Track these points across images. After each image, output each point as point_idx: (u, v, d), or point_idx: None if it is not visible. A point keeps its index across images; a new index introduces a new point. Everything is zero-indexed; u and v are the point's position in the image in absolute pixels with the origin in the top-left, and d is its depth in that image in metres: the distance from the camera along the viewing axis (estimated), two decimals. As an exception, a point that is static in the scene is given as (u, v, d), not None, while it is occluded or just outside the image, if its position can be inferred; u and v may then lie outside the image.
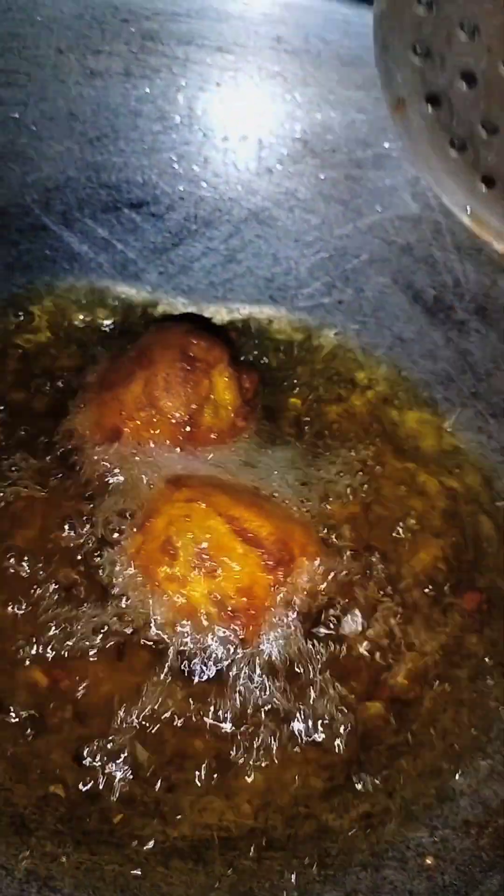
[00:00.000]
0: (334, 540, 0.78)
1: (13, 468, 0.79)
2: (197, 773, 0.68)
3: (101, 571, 0.74)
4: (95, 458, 0.79)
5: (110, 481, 0.78)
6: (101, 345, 0.88)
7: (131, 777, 0.67)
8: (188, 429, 0.79)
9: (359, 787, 0.69)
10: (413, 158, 0.73)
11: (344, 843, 0.67)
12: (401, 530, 0.80)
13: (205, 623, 0.71)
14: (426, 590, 0.77)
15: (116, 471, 0.79)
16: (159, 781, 0.67)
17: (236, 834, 0.66)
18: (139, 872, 0.64)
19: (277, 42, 0.87)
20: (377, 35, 0.68)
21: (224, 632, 0.71)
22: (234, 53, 0.88)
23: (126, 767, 0.67)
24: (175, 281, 0.93)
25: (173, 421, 0.79)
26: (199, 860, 0.65)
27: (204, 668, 0.71)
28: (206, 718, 0.69)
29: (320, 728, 0.70)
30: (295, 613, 0.72)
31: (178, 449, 0.79)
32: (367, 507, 0.81)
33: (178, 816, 0.66)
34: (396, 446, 0.85)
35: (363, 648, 0.74)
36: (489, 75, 0.63)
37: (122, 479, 0.78)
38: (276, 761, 0.69)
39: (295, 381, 0.89)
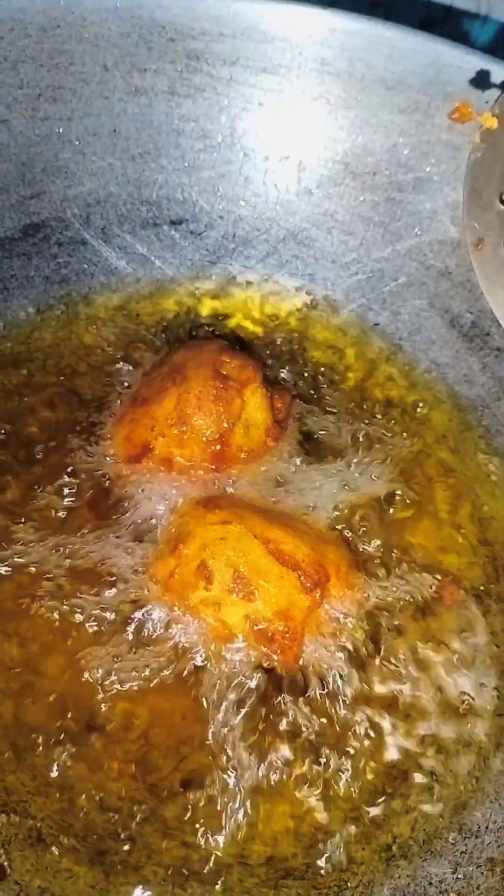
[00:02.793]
0: (368, 559, 0.77)
1: (45, 479, 0.79)
2: (217, 794, 0.67)
3: (133, 596, 0.73)
4: (124, 474, 0.79)
5: (139, 500, 0.78)
6: (135, 360, 0.88)
7: (152, 794, 0.66)
8: (218, 447, 0.79)
9: (381, 817, 0.67)
10: (485, 290, 0.80)
11: (364, 875, 0.65)
12: (433, 550, 0.79)
13: (242, 647, 0.71)
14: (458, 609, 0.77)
15: (145, 489, 0.78)
16: (180, 801, 0.66)
17: (255, 861, 0.65)
18: (155, 894, 0.63)
19: (322, 64, 0.87)
20: (468, 179, 0.76)
21: (262, 655, 0.70)
22: (278, 75, 0.88)
23: (148, 784, 0.67)
24: (211, 298, 0.93)
25: (204, 439, 0.78)
26: (217, 884, 0.64)
27: (234, 691, 0.70)
28: (229, 742, 0.69)
29: (346, 756, 0.69)
30: (331, 637, 0.72)
31: (207, 467, 0.79)
32: (401, 527, 0.80)
33: (197, 839, 0.65)
34: (428, 468, 0.84)
35: (394, 676, 0.73)
36: None
37: (151, 498, 0.78)
38: (298, 788, 0.68)
39: (327, 401, 0.88)
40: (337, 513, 0.79)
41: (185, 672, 0.70)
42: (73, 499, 0.78)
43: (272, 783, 0.68)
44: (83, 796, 0.66)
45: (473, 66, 0.83)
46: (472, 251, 0.79)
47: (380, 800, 0.68)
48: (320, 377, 0.89)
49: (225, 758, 0.68)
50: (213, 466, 0.79)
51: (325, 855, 0.66)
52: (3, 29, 0.82)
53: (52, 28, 0.84)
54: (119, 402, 0.84)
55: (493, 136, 0.75)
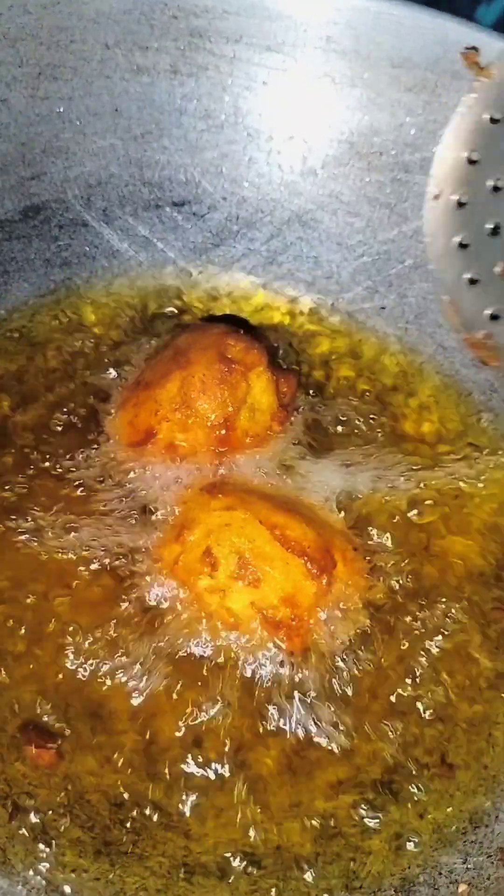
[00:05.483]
0: (375, 544, 0.76)
1: (48, 465, 0.78)
2: (224, 785, 0.66)
3: (138, 584, 0.72)
4: (127, 460, 0.78)
5: (143, 486, 0.77)
6: (138, 344, 0.87)
7: (157, 785, 0.65)
8: (223, 431, 0.77)
9: (391, 806, 0.66)
10: (428, 237, 0.83)
11: (373, 865, 0.65)
12: (439, 535, 0.78)
13: (248, 634, 0.69)
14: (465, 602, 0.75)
15: (149, 475, 0.77)
16: (185, 791, 0.65)
17: (262, 851, 0.64)
18: (161, 887, 0.62)
19: (327, 42, 0.85)
20: (448, 132, 0.78)
21: (268, 643, 0.69)
22: (282, 53, 0.86)
23: (153, 775, 0.66)
24: (214, 281, 0.92)
25: (209, 423, 0.77)
26: (223, 877, 0.63)
27: (240, 679, 0.69)
28: (235, 731, 0.67)
29: (353, 744, 0.68)
30: (338, 624, 0.71)
31: (212, 452, 0.78)
32: (407, 511, 0.79)
33: (203, 830, 0.64)
34: (435, 452, 0.83)
35: (402, 662, 0.72)
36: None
37: (155, 484, 0.77)
38: (305, 777, 0.67)
39: (333, 385, 0.87)
40: (343, 498, 0.78)
41: (190, 660, 0.69)
42: (75, 484, 0.77)
43: (279, 772, 0.67)
44: (87, 788, 0.65)
45: (482, 44, 0.81)
46: (427, 201, 0.81)
47: (388, 788, 0.67)
48: (326, 361, 0.88)
49: (231, 747, 0.67)
50: (218, 451, 0.77)
51: (334, 844, 0.65)
52: (2, 5, 0.81)
53: (52, 5, 0.82)
54: (122, 386, 0.83)
55: (484, 91, 0.76)
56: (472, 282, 0.81)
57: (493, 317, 0.80)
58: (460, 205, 0.80)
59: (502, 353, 0.81)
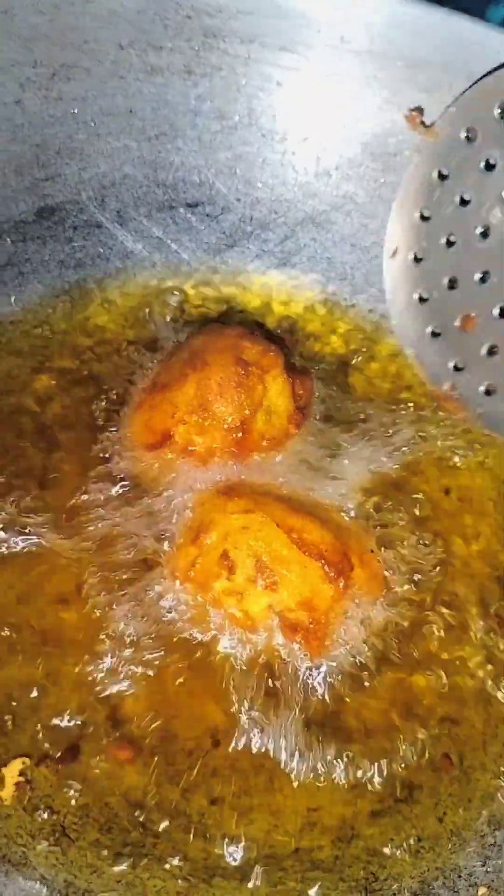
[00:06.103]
0: (392, 546, 0.76)
1: (59, 466, 0.78)
2: (242, 787, 0.66)
3: (154, 587, 0.72)
4: (144, 462, 0.78)
5: (159, 489, 0.77)
6: (152, 345, 0.86)
7: (176, 787, 0.65)
8: (240, 434, 0.77)
9: (408, 809, 0.66)
10: (388, 293, 0.85)
11: (392, 867, 0.65)
12: (458, 537, 0.79)
13: (265, 637, 0.69)
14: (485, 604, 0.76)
15: (165, 478, 0.77)
16: (204, 794, 0.65)
17: (281, 853, 0.64)
18: (182, 889, 0.62)
19: (341, 42, 0.85)
20: (400, 192, 0.82)
21: (286, 646, 0.69)
22: (296, 53, 0.86)
23: (171, 777, 0.66)
24: (228, 282, 0.92)
25: (225, 426, 0.77)
26: (244, 878, 0.63)
27: (258, 683, 0.69)
28: (254, 734, 0.68)
29: (371, 748, 0.68)
30: (355, 626, 0.71)
31: (229, 455, 0.77)
32: (426, 514, 0.79)
33: (222, 832, 0.64)
34: (453, 453, 0.83)
35: (420, 664, 0.72)
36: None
37: (171, 486, 0.76)
38: (324, 779, 0.67)
39: (349, 387, 0.87)
40: (361, 500, 0.78)
41: (209, 663, 0.69)
42: (88, 486, 0.77)
43: (297, 774, 0.67)
44: (106, 790, 0.65)
45: (495, 44, 0.81)
46: (385, 259, 0.84)
47: (407, 791, 0.67)
48: (341, 363, 0.88)
49: (249, 750, 0.67)
50: (235, 454, 0.77)
51: (353, 846, 0.65)
52: (15, 5, 0.80)
53: (65, 4, 0.82)
54: (137, 387, 0.82)
55: (430, 149, 0.79)
56: (435, 335, 0.82)
57: (457, 368, 0.81)
58: (417, 260, 0.81)
59: (467, 403, 0.81)
